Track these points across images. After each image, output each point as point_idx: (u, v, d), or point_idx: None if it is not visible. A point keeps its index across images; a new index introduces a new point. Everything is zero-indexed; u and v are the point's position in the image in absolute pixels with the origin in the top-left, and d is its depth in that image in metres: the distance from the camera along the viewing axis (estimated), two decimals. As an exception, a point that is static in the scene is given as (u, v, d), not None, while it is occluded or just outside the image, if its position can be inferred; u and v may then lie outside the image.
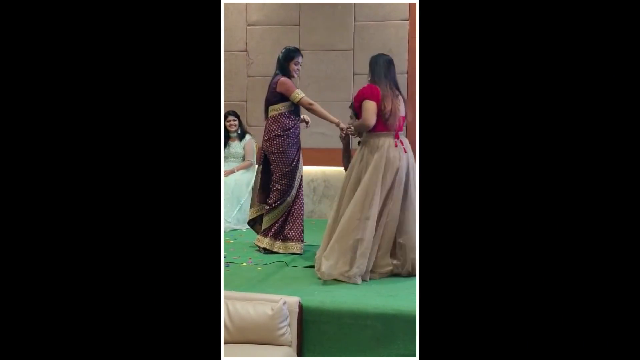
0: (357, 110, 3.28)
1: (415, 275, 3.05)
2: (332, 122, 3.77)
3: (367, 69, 5.12)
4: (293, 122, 3.79)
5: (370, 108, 3.18)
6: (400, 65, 5.10)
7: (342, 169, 5.25)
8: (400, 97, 3.27)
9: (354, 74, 5.21)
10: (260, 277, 3.16)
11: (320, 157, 5.01)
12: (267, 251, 3.76)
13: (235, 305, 2.55)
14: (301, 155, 3.87)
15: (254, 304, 2.56)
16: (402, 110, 3.23)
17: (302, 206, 3.85)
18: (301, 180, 3.87)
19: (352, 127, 3.35)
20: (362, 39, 5.18)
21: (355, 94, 5.16)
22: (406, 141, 3.26)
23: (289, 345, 2.56)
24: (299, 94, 3.75)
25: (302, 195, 3.87)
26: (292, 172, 3.78)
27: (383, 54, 3.45)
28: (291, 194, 3.78)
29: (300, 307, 2.65)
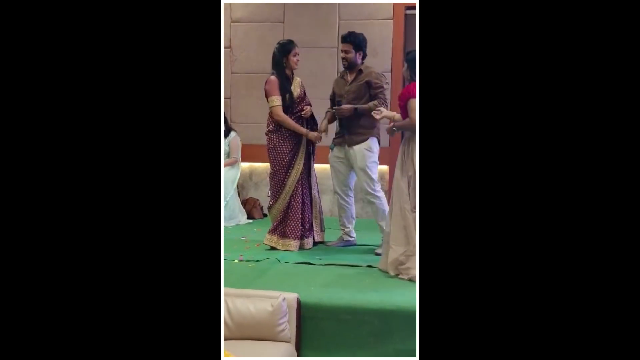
0: (401, 109, 3.30)
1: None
2: (302, 133, 3.80)
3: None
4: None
5: (415, 107, 3.15)
6: (384, 64, 5.16)
7: (326, 165, 5.32)
8: None
9: (339, 72, 5.23)
10: (255, 274, 3.17)
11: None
12: (273, 248, 3.78)
13: (235, 302, 2.56)
14: (303, 153, 3.83)
15: (253, 301, 2.57)
16: None
17: (301, 204, 3.83)
18: (301, 178, 3.83)
19: (395, 126, 3.36)
20: (347, 37, 5.20)
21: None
22: None
23: (288, 342, 2.58)
24: (275, 101, 3.75)
25: (302, 192, 3.84)
26: (284, 169, 3.78)
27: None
28: (285, 191, 3.79)
29: (299, 303, 2.67)
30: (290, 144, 3.78)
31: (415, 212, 3.10)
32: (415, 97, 3.17)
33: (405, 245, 3.13)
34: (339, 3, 5.18)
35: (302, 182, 3.83)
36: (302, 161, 3.82)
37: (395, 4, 5.11)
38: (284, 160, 3.77)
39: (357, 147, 3.76)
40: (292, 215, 3.79)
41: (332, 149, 3.96)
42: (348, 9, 5.19)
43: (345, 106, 3.75)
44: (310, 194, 3.93)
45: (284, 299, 2.58)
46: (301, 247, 3.82)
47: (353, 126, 3.78)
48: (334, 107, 3.83)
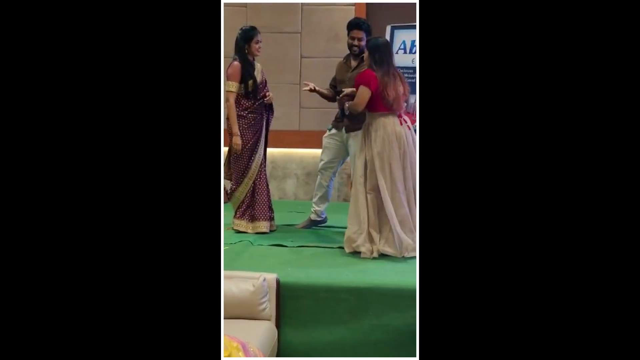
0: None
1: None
2: (233, 132, 3.79)
3: (314, 52, 5.31)
4: (249, 104, 3.83)
5: (362, 94, 3.32)
6: (345, 49, 5.26)
7: (289, 150, 5.40)
8: (399, 78, 3.39)
9: (302, 57, 5.30)
10: (230, 257, 3.23)
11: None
12: (242, 232, 3.85)
13: (217, 282, 2.63)
14: (263, 138, 3.91)
15: (235, 281, 2.65)
16: (401, 90, 3.36)
17: (266, 186, 3.93)
18: (263, 162, 3.92)
19: (347, 106, 3.49)
20: (310, 22, 5.27)
21: (302, 77, 5.34)
22: (408, 119, 3.40)
23: (269, 320, 2.68)
24: (231, 87, 3.77)
25: (265, 175, 3.95)
26: (247, 154, 3.84)
27: (379, 38, 3.58)
28: (249, 176, 3.86)
29: (278, 283, 2.76)
30: (253, 129, 3.84)
31: (371, 194, 3.29)
32: (364, 84, 3.30)
33: (358, 224, 3.31)
34: (301, -12, 5.24)
35: (263, 165, 3.92)
36: (263, 145, 3.91)
37: (357, -10, 5.20)
38: (246, 145, 3.82)
39: (354, 134, 3.78)
40: (259, 198, 3.87)
41: (329, 130, 4.01)
42: (311, -6, 5.25)
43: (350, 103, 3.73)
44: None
45: (264, 279, 2.67)
46: (270, 229, 3.92)
47: (352, 113, 3.75)
48: (343, 105, 3.74)
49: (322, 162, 4.04)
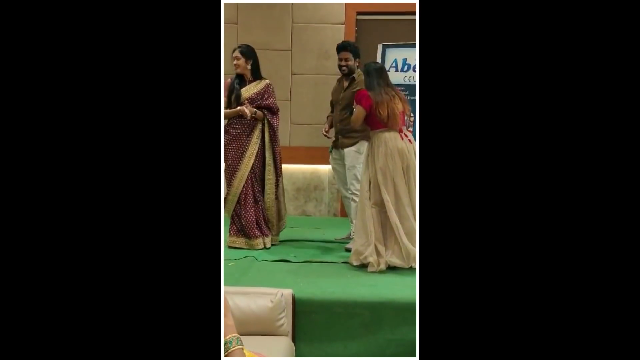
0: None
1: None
2: (241, 111, 3.86)
3: (304, 69, 5.37)
4: (226, 121, 3.95)
5: (357, 113, 3.55)
6: (335, 66, 5.32)
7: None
8: (396, 96, 3.53)
9: (292, 74, 5.35)
10: (239, 272, 3.24)
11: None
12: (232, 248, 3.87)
13: (234, 299, 2.63)
14: (248, 156, 3.92)
15: (252, 298, 2.65)
16: (400, 108, 3.50)
17: (252, 204, 3.94)
18: (250, 178, 3.92)
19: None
20: (300, 40, 5.34)
21: (293, 93, 5.40)
22: (409, 134, 3.55)
23: (287, 335, 2.69)
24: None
25: (249, 194, 3.93)
26: (228, 170, 3.91)
27: (371, 63, 3.78)
28: (232, 193, 3.90)
29: (294, 298, 2.78)
30: (235, 145, 3.90)
31: (375, 208, 3.39)
32: (359, 104, 3.50)
33: (365, 237, 3.38)
34: (292, 6, 5.29)
35: (252, 182, 3.92)
36: (252, 162, 3.90)
37: (347, 9, 5.28)
38: (225, 163, 3.87)
39: (347, 150, 3.97)
40: (246, 216, 3.90)
41: (330, 153, 4.19)
42: (301, 12, 5.31)
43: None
44: (263, 193, 4.02)
45: (282, 295, 2.68)
46: (264, 246, 3.93)
47: (345, 130, 3.96)
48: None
49: (337, 184, 4.31)
